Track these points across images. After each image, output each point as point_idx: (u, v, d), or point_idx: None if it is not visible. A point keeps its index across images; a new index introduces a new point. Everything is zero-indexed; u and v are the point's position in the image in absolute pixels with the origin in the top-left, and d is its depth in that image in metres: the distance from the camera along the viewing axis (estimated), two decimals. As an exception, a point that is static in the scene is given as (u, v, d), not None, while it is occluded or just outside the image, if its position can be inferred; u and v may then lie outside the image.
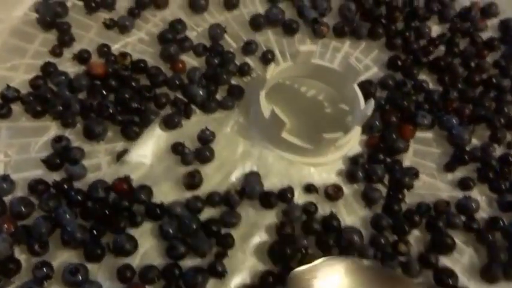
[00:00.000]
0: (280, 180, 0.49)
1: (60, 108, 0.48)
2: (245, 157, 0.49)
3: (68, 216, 0.42)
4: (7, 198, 0.44)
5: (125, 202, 0.43)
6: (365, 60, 0.59)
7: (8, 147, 0.47)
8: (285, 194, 0.47)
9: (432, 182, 0.51)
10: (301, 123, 0.53)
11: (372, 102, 0.48)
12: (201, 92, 0.51)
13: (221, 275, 0.43)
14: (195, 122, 0.50)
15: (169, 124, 0.49)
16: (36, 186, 0.44)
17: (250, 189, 0.46)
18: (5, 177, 0.44)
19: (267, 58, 0.55)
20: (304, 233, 0.46)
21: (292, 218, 0.46)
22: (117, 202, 0.43)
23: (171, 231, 0.43)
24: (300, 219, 0.46)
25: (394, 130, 0.52)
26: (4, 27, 0.54)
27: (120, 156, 0.47)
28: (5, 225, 0.41)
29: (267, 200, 0.46)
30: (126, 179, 0.45)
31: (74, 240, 0.41)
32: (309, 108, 0.56)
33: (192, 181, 0.46)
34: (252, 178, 0.47)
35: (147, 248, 0.44)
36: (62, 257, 0.43)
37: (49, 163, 0.46)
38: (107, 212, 0.43)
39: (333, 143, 0.47)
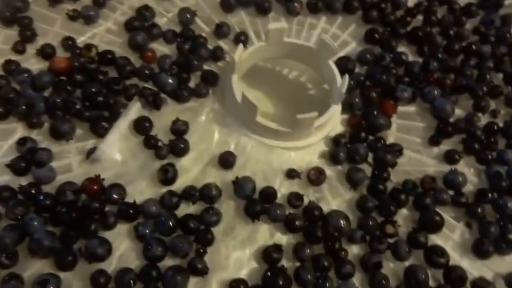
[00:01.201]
0: (259, 168, 0.44)
1: (24, 108, 0.43)
2: (222, 146, 0.45)
3: (36, 223, 0.38)
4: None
5: (96, 204, 0.39)
6: (342, 35, 0.54)
7: (-30, 154, 0.43)
8: (268, 198, 0.42)
9: (418, 158, 0.47)
10: (284, 108, 0.48)
11: (347, 78, 0.43)
12: (170, 81, 0.46)
13: (202, 272, 0.38)
14: (168, 113, 0.46)
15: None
16: (0, 193, 0.39)
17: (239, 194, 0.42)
18: (-33, 187, 0.39)
19: (240, 40, 0.51)
20: (290, 232, 0.42)
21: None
22: (87, 204, 0.39)
23: (146, 231, 0.39)
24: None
25: (375, 107, 0.48)
26: (-38, 27, 0.49)
27: (90, 154, 0.43)
28: (-30, 238, 0.37)
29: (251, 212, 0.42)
30: (97, 179, 0.40)
31: (42, 248, 0.37)
32: (291, 91, 0.51)
33: (166, 176, 0.41)
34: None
35: (123, 250, 0.40)
36: (33, 268, 0.38)
37: (14, 167, 0.41)
38: (76, 216, 0.38)
39: (310, 124, 0.43)
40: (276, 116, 0.45)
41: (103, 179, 0.41)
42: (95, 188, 0.40)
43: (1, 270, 0.37)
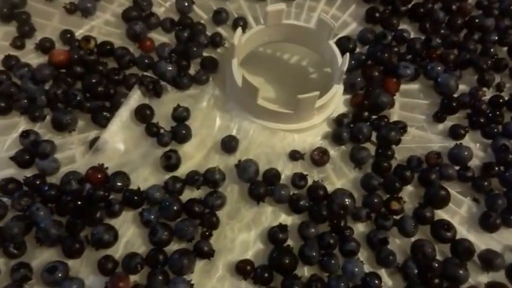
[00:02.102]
0: (263, 151, 0.46)
1: (25, 102, 0.45)
2: (225, 131, 0.46)
3: (41, 213, 0.39)
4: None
5: (100, 192, 0.41)
6: (343, 16, 0.55)
7: (-25, 149, 0.45)
8: (271, 179, 0.44)
9: (422, 135, 0.48)
10: (287, 93, 0.50)
11: (347, 56, 0.44)
12: (170, 68, 0.47)
13: (209, 255, 0.40)
14: (169, 101, 0.47)
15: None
16: (6, 186, 0.41)
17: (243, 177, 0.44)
18: (-26, 181, 0.41)
19: (239, 25, 0.52)
20: (295, 212, 0.43)
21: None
22: (91, 193, 0.41)
23: (152, 217, 0.40)
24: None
25: (377, 85, 0.49)
26: (-40, 25, 0.51)
27: (92, 144, 0.44)
28: (-22, 229, 0.39)
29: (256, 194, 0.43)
30: (100, 168, 0.42)
31: (49, 237, 0.39)
32: (293, 76, 0.52)
33: (169, 162, 0.43)
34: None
35: (129, 236, 0.41)
36: (42, 257, 0.40)
37: (18, 160, 0.43)
38: (81, 204, 0.40)
39: (312, 104, 0.44)
40: (278, 101, 0.46)
41: (106, 168, 0.43)
42: (99, 176, 0.42)
43: (10, 260, 0.39)
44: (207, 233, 0.41)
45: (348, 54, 0.44)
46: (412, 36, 0.53)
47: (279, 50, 0.54)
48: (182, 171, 0.44)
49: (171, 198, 0.41)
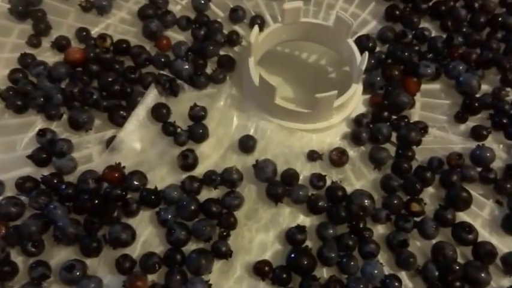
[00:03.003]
0: (280, 151, 0.47)
1: (42, 100, 0.47)
2: (242, 131, 0.47)
3: (59, 211, 0.41)
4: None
5: (117, 191, 0.42)
6: (362, 14, 0.56)
7: (-8, 147, 0.46)
8: (289, 180, 0.45)
9: (444, 136, 0.49)
10: (305, 93, 0.51)
11: (366, 55, 0.45)
12: (186, 66, 0.49)
13: (226, 255, 0.41)
14: (186, 100, 0.49)
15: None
16: (23, 184, 0.43)
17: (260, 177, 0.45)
18: (-9, 179, 0.43)
19: (256, 24, 0.53)
20: (313, 214, 0.44)
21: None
22: (109, 192, 0.42)
23: (169, 216, 0.42)
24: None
25: (397, 85, 0.50)
26: (-23, 23, 0.52)
27: (109, 143, 0.46)
28: (-4, 228, 0.41)
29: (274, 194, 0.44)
30: (117, 167, 0.44)
31: (66, 236, 0.40)
32: (311, 75, 0.53)
33: (186, 162, 0.44)
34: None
35: (147, 236, 0.43)
36: (59, 255, 0.42)
37: (35, 159, 0.44)
38: (98, 203, 0.41)
39: (330, 104, 0.45)
40: (297, 101, 0.47)
41: (123, 167, 0.44)
42: (116, 175, 0.43)
43: (28, 258, 0.41)
44: (225, 233, 0.42)
45: (367, 53, 0.45)
46: (433, 34, 0.54)
47: (297, 49, 0.55)
48: (199, 170, 0.46)
49: (188, 198, 0.43)
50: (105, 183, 0.43)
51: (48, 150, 0.45)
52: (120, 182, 0.43)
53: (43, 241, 0.41)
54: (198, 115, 0.47)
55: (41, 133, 0.45)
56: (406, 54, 0.51)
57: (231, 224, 0.42)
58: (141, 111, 0.47)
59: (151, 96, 0.48)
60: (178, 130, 0.46)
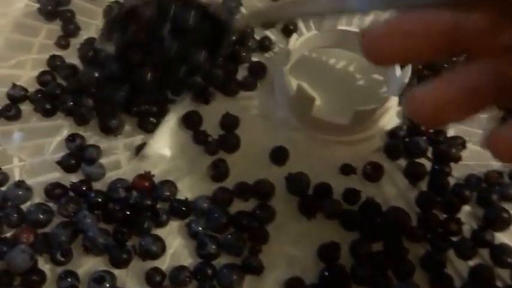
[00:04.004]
0: (313, 164, 0.47)
1: (71, 104, 0.47)
2: (274, 141, 0.47)
3: (88, 220, 0.41)
4: (25, 206, 0.43)
5: (148, 201, 0.42)
6: (397, 21, 0.55)
7: (21, 150, 0.46)
8: (322, 194, 0.45)
9: (481, 151, 0.48)
10: (332, 100, 0.51)
11: (409, 68, 0.45)
12: (218, 72, 0.48)
13: (258, 271, 0.41)
14: (217, 107, 0.48)
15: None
16: (52, 190, 0.43)
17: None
18: (20, 184, 0.43)
19: (289, 29, 0.53)
20: (346, 230, 0.44)
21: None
22: (139, 201, 0.42)
23: (199, 228, 0.42)
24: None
25: (435, 97, 0.49)
26: (5, 22, 0.53)
27: (139, 150, 0.46)
28: (24, 235, 0.41)
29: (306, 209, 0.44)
30: (147, 176, 0.44)
31: (96, 246, 0.40)
32: (339, 82, 0.53)
33: (217, 172, 0.44)
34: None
35: (176, 247, 0.43)
36: (87, 265, 0.42)
37: (65, 165, 0.45)
38: (129, 213, 0.41)
39: (369, 117, 0.45)
40: (324, 109, 0.47)
41: (153, 176, 0.44)
42: (146, 184, 0.43)
43: (56, 267, 0.41)
44: (257, 248, 0.42)
45: (410, 66, 0.45)
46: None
47: (325, 54, 0.54)
48: (229, 180, 0.45)
49: (219, 210, 0.43)
50: (134, 192, 0.43)
51: (77, 156, 0.45)
52: (150, 191, 0.43)
53: (71, 250, 0.41)
54: (230, 124, 0.47)
55: (71, 138, 0.45)
56: (446, 65, 0.50)
57: (262, 238, 0.42)
58: (172, 118, 0.47)
59: (183, 104, 0.47)
60: (209, 139, 0.46)
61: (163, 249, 0.41)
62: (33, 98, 0.48)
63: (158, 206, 0.43)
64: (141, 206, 0.42)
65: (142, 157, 0.46)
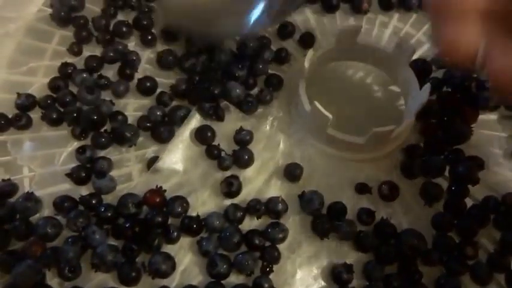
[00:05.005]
0: (327, 181, 0.46)
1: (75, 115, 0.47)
2: (288, 157, 0.47)
3: (97, 236, 0.41)
4: (34, 218, 0.43)
5: (159, 218, 0.42)
6: (417, 34, 0.55)
7: (31, 160, 0.46)
8: (337, 214, 0.44)
9: (499, 172, 0.48)
10: (348, 112, 0.50)
11: (428, 87, 0.44)
12: (238, 90, 0.48)
13: (268, 292, 0.41)
14: (232, 121, 0.48)
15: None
16: (62, 204, 0.43)
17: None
18: (29, 196, 0.43)
19: (306, 41, 0.52)
20: (360, 251, 0.43)
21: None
22: (149, 218, 0.42)
23: (211, 247, 0.41)
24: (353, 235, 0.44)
25: (454, 115, 0.48)
26: (18, 27, 0.52)
27: (151, 163, 0.46)
28: (33, 249, 0.40)
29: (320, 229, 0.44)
30: (159, 191, 0.43)
31: (105, 263, 0.40)
32: (356, 93, 0.52)
33: (230, 189, 0.44)
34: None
35: (186, 264, 0.43)
36: (96, 279, 0.41)
37: (74, 177, 0.44)
38: (138, 229, 0.41)
39: (386, 137, 0.44)
40: (340, 121, 0.46)
41: (165, 191, 0.44)
42: (157, 200, 0.43)
43: (64, 282, 0.41)
44: (268, 269, 0.41)
45: (429, 85, 0.44)
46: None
47: (342, 65, 0.54)
48: (242, 196, 0.45)
49: (231, 228, 0.42)
50: (145, 207, 0.43)
51: (87, 168, 0.45)
52: (162, 207, 0.43)
53: (80, 265, 0.41)
54: (244, 140, 0.46)
55: (81, 150, 0.45)
56: (466, 83, 0.49)
57: (274, 259, 0.42)
58: (184, 132, 0.47)
59: (196, 117, 0.47)
60: (223, 154, 0.46)
61: (173, 267, 0.41)
62: (43, 103, 0.48)
63: (169, 221, 0.43)
64: (151, 222, 0.42)
65: (154, 170, 0.45)
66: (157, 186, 0.44)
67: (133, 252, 0.41)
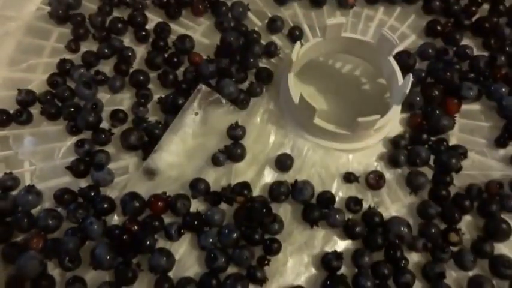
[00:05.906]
0: (317, 171, 0.45)
1: (72, 110, 0.46)
2: (278, 148, 0.46)
3: (95, 227, 0.40)
4: (36, 210, 0.42)
5: (156, 222, 0.41)
6: (401, 27, 0.54)
7: (32, 155, 0.45)
8: (326, 203, 0.43)
9: (482, 160, 0.47)
10: (337, 104, 0.49)
11: (410, 77, 0.43)
12: (232, 89, 0.47)
13: (262, 281, 0.40)
14: (224, 114, 0.47)
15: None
16: (62, 196, 0.42)
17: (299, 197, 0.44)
18: (30, 189, 0.42)
19: (295, 35, 0.52)
20: (349, 238, 0.43)
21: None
22: (148, 221, 0.41)
23: (210, 241, 0.41)
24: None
25: (437, 106, 0.48)
26: (17, 26, 0.51)
27: (147, 171, 0.45)
28: (34, 241, 0.40)
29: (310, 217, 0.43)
30: (162, 196, 0.43)
31: (102, 265, 0.39)
32: (345, 85, 0.51)
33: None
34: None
35: (182, 254, 0.42)
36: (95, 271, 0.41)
37: (74, 170, 0.43)
38: (137, 230, 0.41)
39: (370, 126, 0.43)
40: (330, 113, 0.45)
41: (169, 196, 0.43)
42: (160, 204, 0.42)
43: (65, 273, 0.40)
44: (266, 261, 0.41)
45: (411, 75, 0.43)
46: (475, 52, 0.51)
47: (331, 59, 0.53)
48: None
49: (231, 225, 0.42)
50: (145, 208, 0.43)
51: (86, 161, 0.44)
52: (164, 212, 0.42)
53: (80, 256, 0.40)
54: (237, 135, 0.45)
55: (79, 144, 0.44)
56: (448, 74, 0.48)
57: (274, 251, 0.41)
58: (178, 126, 0.46)
59: (188, 111, 0.46)
60: (219, 156, 0.45)
61: (172, 264, 0.40)
62: (43, 99, 0.47)
63: (172, 220, 0.42)
64: (150, 225, 0.41)
65: (150, 169, 0.45)
66: (163, 192, 0.43)
67: (130, 254, 0.40)
